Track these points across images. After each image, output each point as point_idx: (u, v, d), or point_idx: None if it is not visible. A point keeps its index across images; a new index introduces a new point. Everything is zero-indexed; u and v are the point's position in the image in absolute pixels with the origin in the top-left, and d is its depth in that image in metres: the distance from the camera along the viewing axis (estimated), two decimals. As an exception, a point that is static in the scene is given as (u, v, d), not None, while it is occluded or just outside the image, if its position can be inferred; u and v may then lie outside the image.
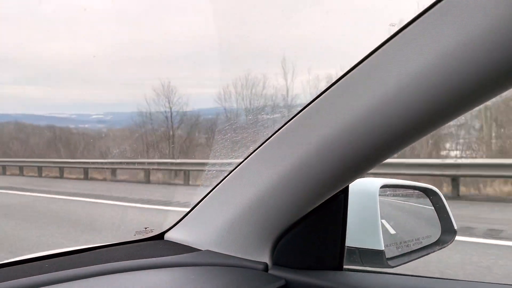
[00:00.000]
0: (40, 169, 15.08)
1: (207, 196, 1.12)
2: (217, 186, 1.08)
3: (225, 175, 1.07)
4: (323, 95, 0.81)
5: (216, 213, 1.08)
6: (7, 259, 1.06)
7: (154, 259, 1.08)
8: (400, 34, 0.68)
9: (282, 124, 0.90)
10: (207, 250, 1.10)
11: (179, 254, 1.10)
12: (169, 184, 11.71)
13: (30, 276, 0.91)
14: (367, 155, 0.79)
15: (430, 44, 0.64)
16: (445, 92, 0.65)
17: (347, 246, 1.03)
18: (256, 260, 1.01)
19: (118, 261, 1.04)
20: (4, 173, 16.52)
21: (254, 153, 0.96)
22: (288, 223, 0.95)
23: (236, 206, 1.01)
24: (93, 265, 1.00)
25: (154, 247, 1.19)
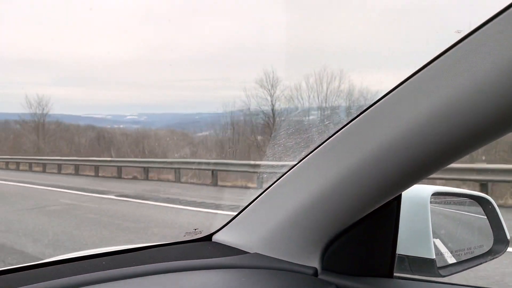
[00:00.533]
0: (97, 168, 15.19)
1: (257, 199, 1.13)
2: (268, 190, 1.09)
3: (276, 178, 1.08)
4: (381, 100, 0.81)
5: (265, 216, 1.09)
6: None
7: (203, 260, 1.10)
8: (467, 39, 0.67)
9: (337, 130, 0.90)
10: (256, 253, 1.11)
11: (227, 256, 1.12)
12: (239, 186, 11.29)
13: (88, 273, 0.95)
14: (425, 162, 0.78)
15: (502, 50, 0.63)
16: None
17: (397, 254, 1.02)
18: (306, 264, 1.02)
19: (168, 261, 1.07)
20: (59, 172, 16.75)
21: (308, 157, 0.96)
22: (339, 228, 0.95)
23: (286, 209, 1.02)
24: (145, 264, 1.04)
25: (203, 248, 1.22)
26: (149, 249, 1.18)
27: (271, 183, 1.09)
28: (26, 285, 0.87)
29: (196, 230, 1.25)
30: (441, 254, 1.08)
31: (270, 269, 1.04)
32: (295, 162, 1.01)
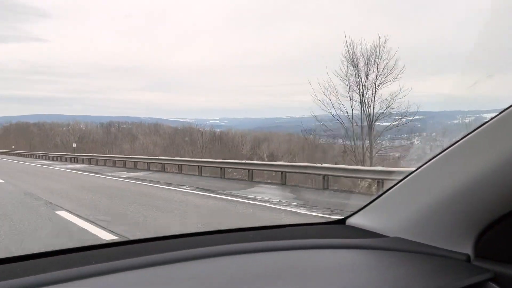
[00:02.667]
0: (200, 168, 16.13)
1: (398, 184, 1.13)
2: (411, 175, 1.08)
3: (419, 165, 1.07)
4: None
5: (409, 201, 1.09)
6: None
7: (340, 239, 1.13)
8: None
9: (497, 114, 0.88)
10: (396, 237, 1.11)
11: (363, 238, 1.13)
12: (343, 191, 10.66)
13: (236, 243, 1.04)
14: None
15: None
16: None
17: None
18: (455, 250, 0.99)
19: (304, 239, 1.12)
20: (163, 170, 18.04)
21: (463, 140, 0.93)
22: (499, 213, 0.92)
23: (436, 194, 1.00)
24: (285, 239, 1.10)
25: (337, 230, 1.25)
26: (287, 227, 1.25)
27: (414, 169, 1.09)
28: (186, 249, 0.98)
29: (333, 212, 1.29)
30: None
31: (413, 253, 1.04)
32: (443, 149, 1.00)
